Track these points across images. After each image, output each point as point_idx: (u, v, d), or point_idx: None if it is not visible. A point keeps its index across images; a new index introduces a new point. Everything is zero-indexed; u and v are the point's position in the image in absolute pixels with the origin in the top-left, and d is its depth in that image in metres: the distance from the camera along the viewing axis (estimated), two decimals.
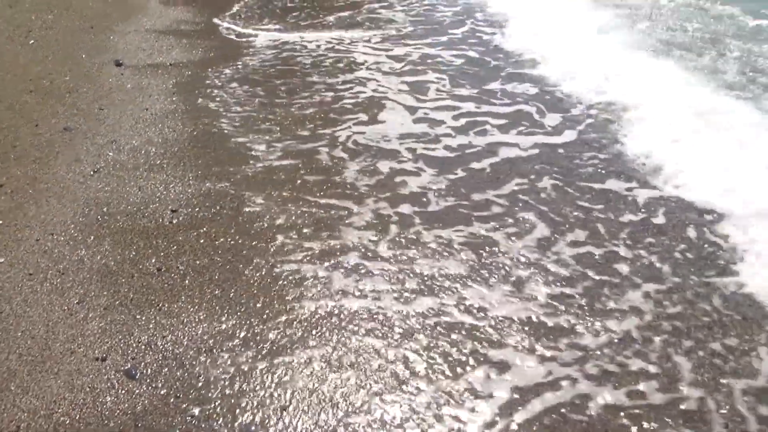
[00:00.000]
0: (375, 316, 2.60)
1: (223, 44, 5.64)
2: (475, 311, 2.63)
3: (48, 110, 4.23)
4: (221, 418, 2.15)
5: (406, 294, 2.72)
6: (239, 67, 5.09)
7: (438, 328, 2.55)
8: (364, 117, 4.29)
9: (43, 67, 4.93)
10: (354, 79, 4.90)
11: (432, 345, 2.46)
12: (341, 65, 5.19)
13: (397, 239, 3.07)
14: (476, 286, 2.77)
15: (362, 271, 2.86)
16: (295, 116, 4.26)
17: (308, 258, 2.92)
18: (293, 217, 3.20)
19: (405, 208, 3.30)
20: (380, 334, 2.51)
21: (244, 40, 5.77)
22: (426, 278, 2.81)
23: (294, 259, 2.91)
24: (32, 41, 5.51)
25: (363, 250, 2.99)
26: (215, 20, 6.26)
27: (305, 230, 3.11)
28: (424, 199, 3.38)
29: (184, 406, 2.19)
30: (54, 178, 3.48)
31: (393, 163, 3.73)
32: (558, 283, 2.79)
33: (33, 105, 4.30)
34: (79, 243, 2.98)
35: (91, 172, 3.53)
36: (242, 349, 2.43)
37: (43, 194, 3.33)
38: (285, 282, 2.77)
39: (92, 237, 3.02)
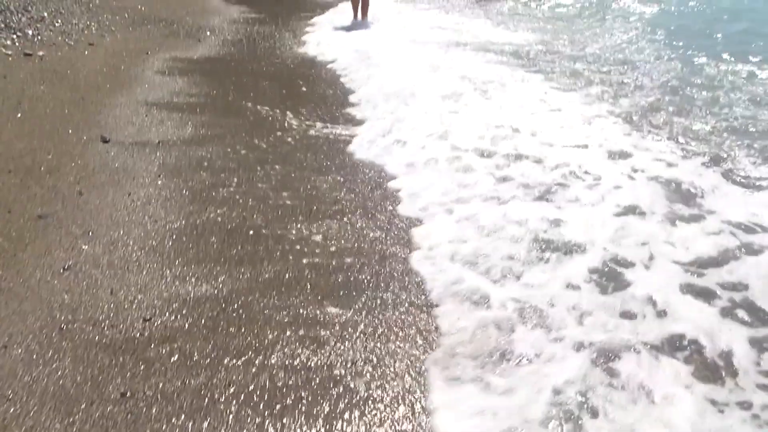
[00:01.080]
0: None
1: (237, 119, 5.44)
2: None
3: (25, 193, 3.95)
4: None
5: None
6: (264, 146, 4.87)
7: None
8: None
9: (26, 143, 4.68)
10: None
11: None
12: None
13: None
14: None
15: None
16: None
17: (300, 384, 2.57)
18: (288, 332, 2.87)
19: None
20: None
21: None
22: None
23: (281, 386, 2.56)
24: (20, 114, 5.30)
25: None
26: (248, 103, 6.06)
27: (300, 350, 2.77)
28: None
29: None
30: (19, 275, 3.16)
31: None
32: None
33: (10, 187, 4.02)
34: (36, 358, 2.63)
35: (61, 270, 3.21)
36: None
37: (5, 295, 3.00)
38: (267, 414, 2.42)
39: (52, 351, 2.68)
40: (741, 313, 3.03)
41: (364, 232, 3.75)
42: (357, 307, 3.05)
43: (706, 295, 3.15)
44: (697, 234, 3.69)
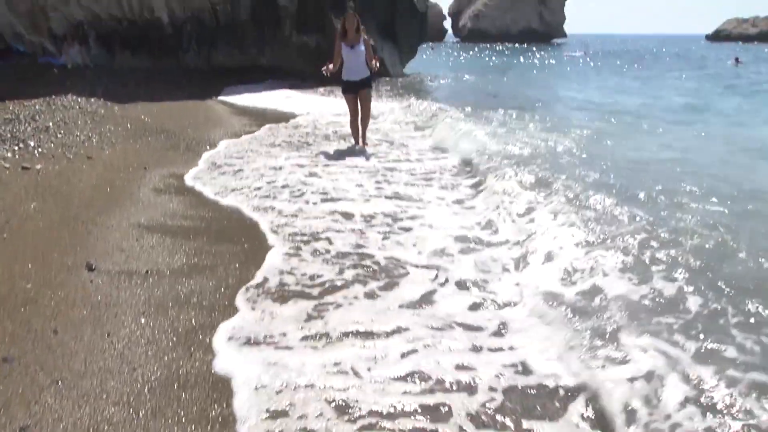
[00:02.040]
0: None
1: (231, 246, 5.21)
2: None
3: None
4: None
5: None
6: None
7: None
8: None
9: (6, 269, 4.42)
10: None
11: None
12: None
13: None
14: None
15: None
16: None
17: None
18: None
19: None
20: None
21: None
22: None
23: None
24: (5, 234, 5.08)
25: None
26: None
27: None
28: None
29: None
30: None
31: None
32: None
33: None
34: None
35: (17, 430, 2.84)
36: None
37: None
38: None
39: None
40: None
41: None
42: None
43: None
44: None
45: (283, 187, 7.10)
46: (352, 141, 9.86)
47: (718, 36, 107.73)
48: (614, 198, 5.98)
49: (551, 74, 32.38)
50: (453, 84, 24.21)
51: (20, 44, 22.26)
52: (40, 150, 7.82)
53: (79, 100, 13.72)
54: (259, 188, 7.05)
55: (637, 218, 5.38)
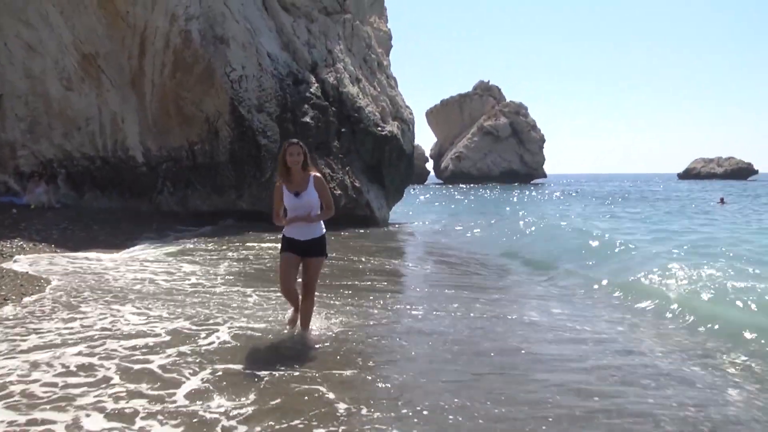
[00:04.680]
0: None
1: None
2: None
3: None
4: None
5: None
6: None
7: None
8: None
9: None
10: None
11: None
12: None
13: None
14: None
15: None
16: None
17: None
18: None
19: None
20: None
21: None
22: None
23: None
24: None
25: None
26: None
27: None
28: None
29: None
30: None
31: None
32: None
33: None
34: None
35: None
36: None
37: None
38: None
39: None
40: None
41: None
42: None
43: None
44: None
45: None
46: None
47: (688, 174, 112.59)
48: None
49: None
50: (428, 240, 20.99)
51: None
52: None
53: (25, 246, 12.15)
54: None
55: None
